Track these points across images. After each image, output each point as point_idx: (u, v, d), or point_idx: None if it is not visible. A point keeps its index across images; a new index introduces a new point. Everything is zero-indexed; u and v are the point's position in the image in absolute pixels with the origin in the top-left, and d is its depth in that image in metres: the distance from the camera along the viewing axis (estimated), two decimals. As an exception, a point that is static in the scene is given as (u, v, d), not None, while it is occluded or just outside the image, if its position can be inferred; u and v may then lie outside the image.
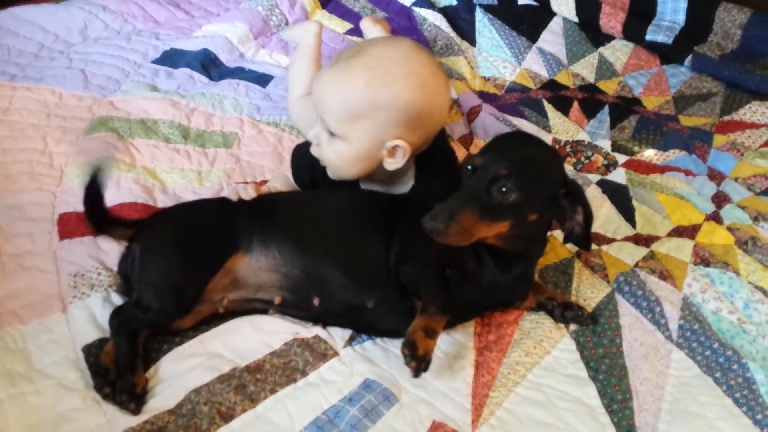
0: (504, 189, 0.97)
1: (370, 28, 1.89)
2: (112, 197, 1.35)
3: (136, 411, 0.97)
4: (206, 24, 2.09)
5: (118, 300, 1.14)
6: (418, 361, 0.98)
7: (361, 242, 1.13)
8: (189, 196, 1.40)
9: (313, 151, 1.23)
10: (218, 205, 1.23)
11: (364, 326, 1.12)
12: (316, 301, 1.10)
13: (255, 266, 1.11)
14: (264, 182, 1.41)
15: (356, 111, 1.14)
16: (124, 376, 1.00)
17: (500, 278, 1.09)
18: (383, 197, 1.24)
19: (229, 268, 1.10)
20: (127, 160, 1.47)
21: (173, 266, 1.08)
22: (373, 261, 1.10)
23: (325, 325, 1.13)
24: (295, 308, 1.13)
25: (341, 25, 2.15)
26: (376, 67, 1.13)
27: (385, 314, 1.09)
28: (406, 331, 1.00)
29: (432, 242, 0.99)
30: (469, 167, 1.01)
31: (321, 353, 1.08)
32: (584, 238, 1.07)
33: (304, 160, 1.31)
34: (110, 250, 1.25)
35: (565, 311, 1.16)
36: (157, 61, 1.88)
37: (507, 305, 1.18)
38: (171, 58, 1.89)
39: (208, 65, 1.87)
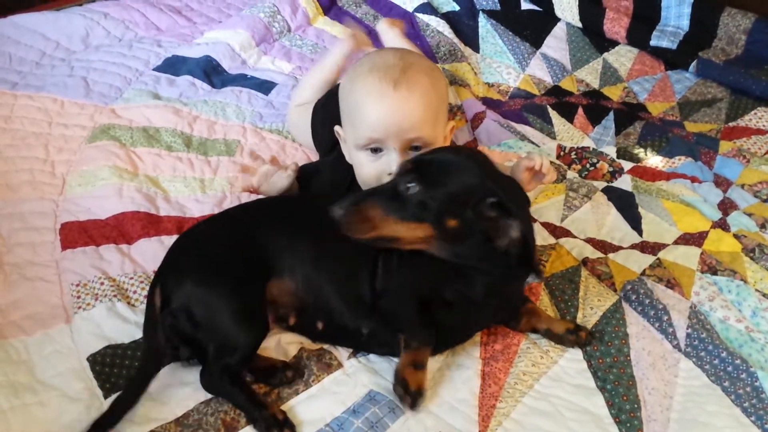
0: (408, 184, 0.97)
1: (387, 30, 1.89)
2: (114, 206, 1.35)
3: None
4: (208, 31, 2.09)
5: (123, 310, 1.13)
6: (413, 396, 0.99)
7: (351, 267, 1.09)
8: (191, 205, 1.39)
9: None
10: (244, 230, 1.12)
11: (364, 347, 1.11)
12: (320, 325, 1.09)
13: (282, 289, 1.08)
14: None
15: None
16: (261, 417, 0.97)
17: (476, 296, 1.04)
18: None
19: (270, 291, 1.08)
20: (130, 169, 1.46)
21: (229, 301, 1.02)
22: (361, 288, 1.07)
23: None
24: (302, 330, 1.12)
25: (343, 32, 2.14)
26: (422, 66, 1.18)
27: (378, 341, 1.08)
28: (395, 369, 1.02)
29: (409, 274, 1.02)
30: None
31: (326, 363, 1.07)
32: (525, 258, 1.00)
33: (308, 177, 1.33)
34: (113, 259, 1.24)
35: (565, 335, 1.13)
36: (159, 69, 1.88)
37: (502, 323, 1.16)
38: (173, 66, 1.88)
39: (210, 72, 1.86)
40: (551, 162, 1.46)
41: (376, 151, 1.16)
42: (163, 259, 1.11)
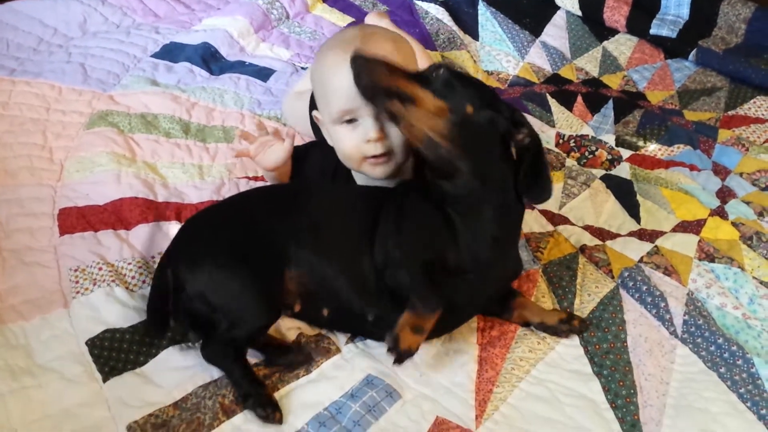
0: (438, 70, 1.01)
1: (378, 22, 1.88)
2: (112, 192, 1.35)
3: (281, 419, 0.97)
4: (206, 17, 2.08)
5: (121, 295, 1.13)
6: (399, 354, 0.98)
7: (352, 248, 1.08)
8: (190, 191, 1.39)
9: (375, 149, 1.14)
10: (253, 217, 1.11)
11: (369, 334, 1.11)
12: (325, 312, 1.08)
13: (289, 276, 1.07)
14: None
15: None
16: (256, 394, 0.98)
17: (481, 253, 1.03)
18: (371, 194, 1.18)
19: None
20: (128, 155, 1.46)
21: (247, 284, 1.02)
22: (364, 268, 1.06)
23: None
24: (307, 317, 1.12)
25: (342, 19, 2.14)
26: (385, 35, 1.17)
27: (383, 327, 1.05)
28: (391, 331, 0.99)
29: (410, 237, 1.02)
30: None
31: (325, 348, 1.08)
32: (536, 171, 1.03)
33: (299, 158, 1.30)
34: (111, 245, 1.24)
35: (558, 325, 1.13)
36: (157, 55, 1.87)
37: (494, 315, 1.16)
38: (171, 52, 1.88)
39: (209, 59, 1.85)
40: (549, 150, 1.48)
41: (351, 122, 1.14)
42: (171, 245, 1.11)
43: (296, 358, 1.05)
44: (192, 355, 1.04)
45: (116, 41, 1.93)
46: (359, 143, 1.14)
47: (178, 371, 1.02)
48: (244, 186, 1.42)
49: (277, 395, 1.00)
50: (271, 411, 0.96)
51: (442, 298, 1.00)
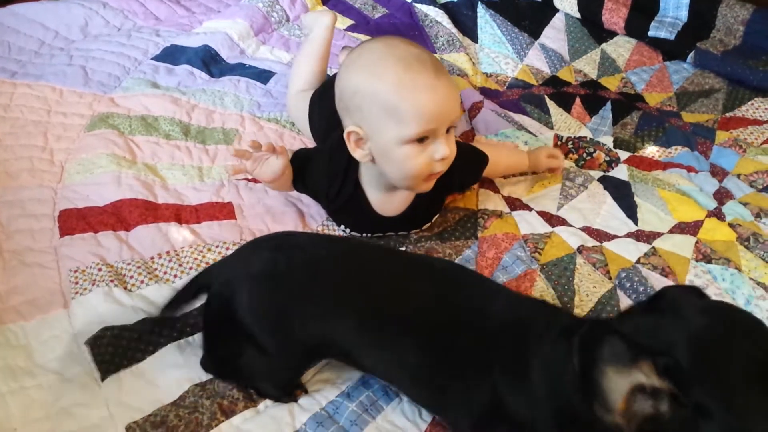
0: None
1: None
2: (112, 193, 1.36)
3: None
4: (207, 20, 2.09)
5: (120, 295, 1.14)
6: None
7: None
8: (189, 193, 1.40)
9: (443, 166, 1.17)
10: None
11: None
12: None
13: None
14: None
15: None
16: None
17: None
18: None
19: None
20: (128, 157, 1.47)
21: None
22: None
23: None
24: None
25: (342, 22, 2.15)
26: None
27: None
28: None
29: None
30: None
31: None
32: None
33: (303, 165, 1.31)
34: (111, 246, 1.25)
35: None
36: (158, 58, 1.88)
37: None
38: (171, 55, 1.88)
39: (209, 62, 1.86)
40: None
41: (421, 141, 1.15)
42: (233, 257, 1.01)
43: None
44: (188, 352, 1.05)
45: (117, 44, 1.94)
46: (429, 161, 1.16)
47: (176, 369, 1.03)
48: (244, 188, 1.43)
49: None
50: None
51: None
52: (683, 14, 2.06)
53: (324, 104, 1.42)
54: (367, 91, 1.13)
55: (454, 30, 2.08)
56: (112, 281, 1.16)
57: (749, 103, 1.82)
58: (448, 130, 1.16)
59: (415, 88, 1.10)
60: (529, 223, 1.38)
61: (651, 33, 2.02)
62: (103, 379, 1.01)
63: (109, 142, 1.50)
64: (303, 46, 1.69)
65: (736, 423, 0.66)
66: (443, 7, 2.17)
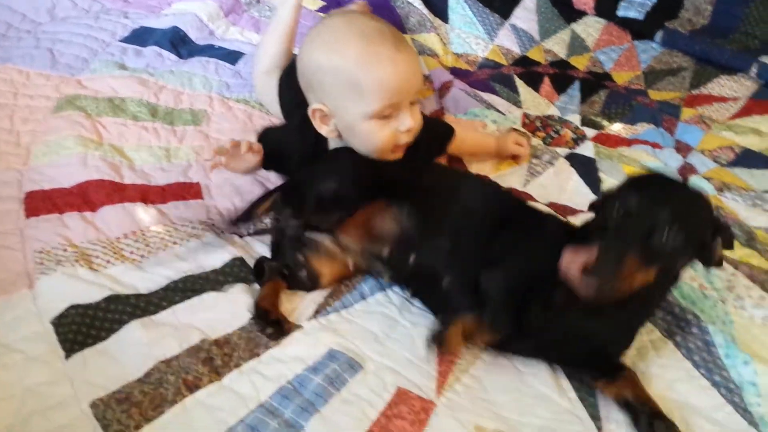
0: (665, 237, 0.88)
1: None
2: (78, 175, 1.35)
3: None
4: (176, 2, 2.08)
5: (84, 274, 1.13)
6: (440, 344, 0.97)
7: (481, 222, 1.11)
8: (157, 174, 1.39)
9: (409, 137, 1.20)
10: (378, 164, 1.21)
11: (426, 297, 1.13)
12: (411, 258, 1.09)
13: (387, 217, 1.11)
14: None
15: None
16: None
17: (588, 322, 0.98)
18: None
19: (372, 209, 1.12)
20: (95, 139, 1.46)
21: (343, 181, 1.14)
22: (470, 246, 1.08)
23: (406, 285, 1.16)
24: (394, 262, 1.12)
25: (313, 2, 2.14)
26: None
27: (444, 301, 1.07)
28: (442, 320, 0.98)
29: (523, 261, 1.02)
30: (621, 210, 0.92)
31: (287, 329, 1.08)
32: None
33: (272, 144, 1.31)
34: (75, 226, 1.24)
35: (653, 421, 0.95)
36: (126, 40, 1.87)
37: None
38: (140, 37, 1.87)
39: (177, 43, 1.85)
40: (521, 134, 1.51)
41: (386, 115, 1.16)
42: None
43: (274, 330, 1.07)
44: (153, 329, 1.05)
45: (85, 26, 1.92)
46: (395, 133, 1.17)
47: (141, 346, 1.02)
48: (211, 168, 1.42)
49: (238, 371, 1.00)
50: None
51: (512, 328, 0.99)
52: (652, -6, 2.08)
53: (292, 83, 1.42)
54: (329, 67, 1.13)
55: (425, 11, 2.08)
56: (77, 261, 1.16)
57: (715, 80, 1.84)
58: (412, 102, 1.16)
59: (376, 62, 1.10)
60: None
61: (620, 13, 2.04)
62: (67, 358, 1.01)
63: (75, 124, 1.49)
64: (269, 26, 1.68)
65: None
66: (414, -13, 2.17)
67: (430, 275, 1.09)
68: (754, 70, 1.83)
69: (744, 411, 0.99)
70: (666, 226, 0.88)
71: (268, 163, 1.30)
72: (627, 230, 0.89)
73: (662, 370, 1.05)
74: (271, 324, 1.06)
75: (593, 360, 1.03)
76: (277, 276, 1.13)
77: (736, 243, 1.24)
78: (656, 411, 0.97)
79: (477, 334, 0.99)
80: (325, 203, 1.11)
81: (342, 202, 1.11)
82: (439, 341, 0.97)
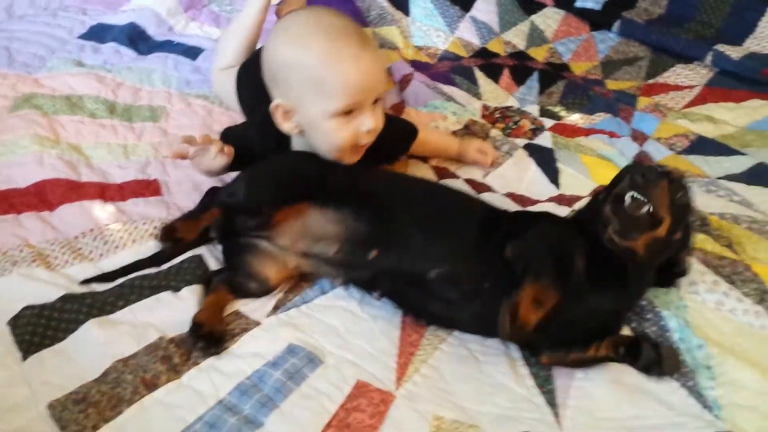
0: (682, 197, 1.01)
1: None
2: (35, 174, 1.34)
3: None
4: (135, -3, 2.06)
5: (41, 274, 1.12)
6: (515, 326, 0.94)
7: (448, 213, 1.14)
8: (114, 171, 1.39)
9: (369, 138, 1.20)
10: (314, 163, 1.22)
11: (409, 300, 1.11)
12: (374, 253, 1.09)
13: (323, 218, 1.11)
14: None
15: None
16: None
17: (600, 293, 1.03)
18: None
19: (301, 211, 1.12)
20: (51, 137, 1.44)
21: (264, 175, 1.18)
22: (456, 234, 1.09)
23: (371, 289, 1.14)
24: (347, 260, 1.12)
25: (274, -3, 2.14)
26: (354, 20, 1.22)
27: (443, 288, 1.06)
28: (508, 302, 0.96)
29: (553, 231, 1.06)
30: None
31: (242, 328, 1.08)
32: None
33: (235, 143, 1.30)
34: (33, 226, 1.23)
35: (655, 346, 1.03)
36: (84, 37, 1.85)
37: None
38: (98, 33, 1.86)
39: (136, 39, 1.84)
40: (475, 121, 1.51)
41: (348, 113, 1.16)
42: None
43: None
44: (110, 328, 1.04)
45: (43, 24, 1.90)
46: (356, 133, 1.17)
47: (98, 345, 1.02)
48: (171, 165, 1.42)
49: (197, 369, 1.00)
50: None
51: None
52: (611, -16, 2.10)
53: (251, 78, 1.41)
54: (294, 63, 1.13)
55: (386, 4, 2.09)
56: (34, 261, 1.15)
57: (671, 69, 1.87)
58: (375, 102, 1.17)
59: (340, 60, 1.10)
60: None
61: (578, 4, 2.06)
62: (24, 359, 1.00)
63: (32, 123, 1.47)
64: (233, 21, 1.67)
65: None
66: (375, -20, 2.17)
67: (405, 271, 1.09)
68: (709, 58, 1.86)
69: (698, 395, 1.00)
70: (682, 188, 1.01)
71: (232, 164, 1.30)
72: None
73: (617, 355, 1.07)
74: (201, 338, 1.03)
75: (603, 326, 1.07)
76: (223, 287, 1.12)
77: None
78: (653, 341, 1.04)
79: (544, 299, 0.97)
80: (240, 203, 1.13)
81: (255, 202, 1.13)
82: (513, 316, 0.95)
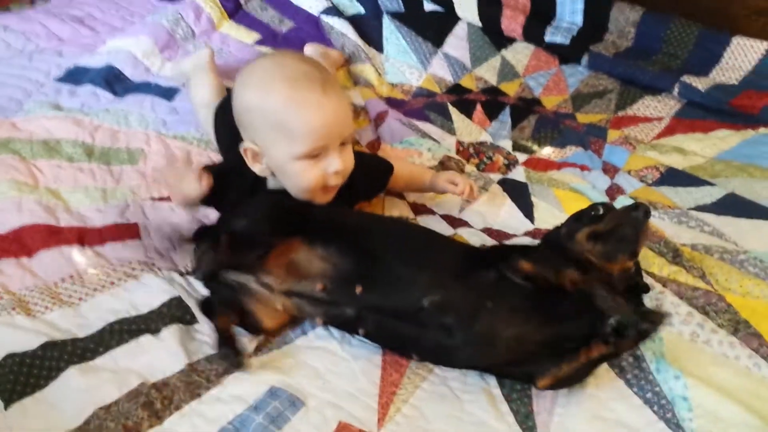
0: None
1: (314, 52, 1.97)
2: (12, 221, 1.33)
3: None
4: (111, 39, 2.07)
5: (21, 322, 1.12)
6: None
7: (428, 246, 1.19)
8: (93, 215, 1.39)
9: (337, 179, 1.22)
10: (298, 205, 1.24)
11: (400, 334, 1.11)
12: (358, 289, 1.09)
13: (311, 255, 1.12)
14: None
15: None
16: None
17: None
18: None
19: (291, 247, 1.13)
20: (29, 182, 1.44)
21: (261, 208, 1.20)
22: (441, 263, 1.13)
23: (354, 329, 1.14)
24: (332, 298, 1.12)
25: (249, 36, 2.16)
26: (321, 64, 1.26)
27: (438, 316, 1.06)
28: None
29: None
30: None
31: (225, 370, 1.09)
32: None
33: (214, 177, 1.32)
34: (12, 273, 1.23)
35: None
36: (61, 79, 1.85)
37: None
38: (74, 76, 1.86)
39: (113, 81, 1.85)
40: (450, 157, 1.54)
41: (315, 156, 1.18)
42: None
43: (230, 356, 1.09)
44: (91, 375, 1.04)
45: (19, 66, 1.91)
46: (323, 174, 1.19)
47: (80, 393, 1.02)
48: (149, 208, 1.42)
49: (179, 414, 1.00)
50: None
51: None
52: (579, 19, 2.15)
53: (227, 118, 1.43)
54: (258, 108, 1.16)
55: (360, 42, 2.12)
56: (13, 308, 1.15)
57: (640, 101, 1.92)
58: (343, 143, 1.19)
59: (302, 105, 1.13)
60: (433, 227, 1.42)
61: (548, 38, 2.10)
62: (6, 408, 1.00)
63: (9, 168, 1.47)
64: (191, 84, 1.75)
65: None
66: (349, 19, 2.21)
67: (394, 304, 1.09)
68: (676, 89, 1.91)
69: (677, 426, 1.02)
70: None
71: (207, 198, 1.31)
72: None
73: (597, 390, 1.08)
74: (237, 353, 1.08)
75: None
76: (229, 311, 1.14)
77: (663, 261, 1.30)
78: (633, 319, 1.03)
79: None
80: (237, 241, 1.13)
81: (254, 240, 1.14)
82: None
